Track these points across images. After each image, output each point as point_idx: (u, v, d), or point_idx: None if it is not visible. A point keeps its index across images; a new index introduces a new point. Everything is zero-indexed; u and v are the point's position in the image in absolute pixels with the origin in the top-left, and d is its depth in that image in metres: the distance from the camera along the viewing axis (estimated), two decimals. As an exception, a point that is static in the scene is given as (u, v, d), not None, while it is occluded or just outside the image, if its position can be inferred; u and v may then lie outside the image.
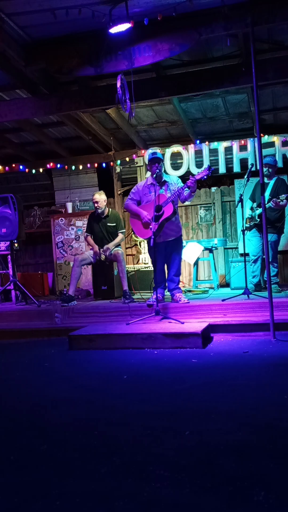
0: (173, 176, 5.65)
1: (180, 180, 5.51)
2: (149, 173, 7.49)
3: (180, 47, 4.97)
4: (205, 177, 5.14)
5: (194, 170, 7.45)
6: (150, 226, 5.11)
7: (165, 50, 5.01)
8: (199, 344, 4.13)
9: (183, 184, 5.30)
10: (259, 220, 5.96)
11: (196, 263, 7.03)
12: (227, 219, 8.13)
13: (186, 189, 5.19)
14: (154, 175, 5.34)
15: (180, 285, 7.16)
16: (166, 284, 5.72)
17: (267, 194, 5.89)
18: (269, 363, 3.47)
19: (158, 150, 7.64)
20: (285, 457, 1.91)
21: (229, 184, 8.18)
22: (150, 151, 7.70)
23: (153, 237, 4.93)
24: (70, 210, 8.44)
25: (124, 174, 8.60)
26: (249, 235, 6.10)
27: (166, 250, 5.46)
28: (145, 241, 6.58)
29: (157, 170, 5.33)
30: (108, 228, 6.34)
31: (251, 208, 6.16)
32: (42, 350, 4.63)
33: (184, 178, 7.41)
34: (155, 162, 5.36)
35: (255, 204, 6.15)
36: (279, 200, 5.71)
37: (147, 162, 5.47)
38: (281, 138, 7.22)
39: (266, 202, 5.29)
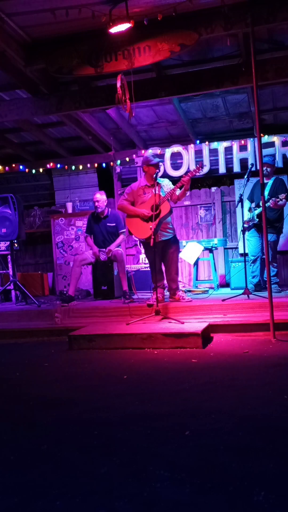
0: (164, 179, 5.68)
1: (171, 183, 5.59)
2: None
3: (180, 47, 4.97)
4: (196, 174, 5.26)
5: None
6: (151, 226, 5.12)
7: (165, 50, 5.00)
8: (199, 344, 4.13)
9: (173, 187, 5.38)
10: (258, 220, 5.96)
11: (196, 263, 7.03)
12: (227, 219, 8.12)
13: (178, 189, 5.25)
14: (155, 175, 5.37)
15: (180, 285, 7.18)
16: (165, 284, 5.73)
17: (266, 194, 5.89)
18: (269, 363, 3.47)
19: (158, 151, 7.65)
20: (285, 457, 1.91)
21: (229, 184, 8.17)
22: (150, 151, 7.70)
23: (153, 236, 4.95)
24: (70, 210, 8.44)
25: (124, 174, 8.59)
26: (248, 235, 6.09)
27: (164, 250, 5.48)
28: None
29: (158, 171, 5.41)
30: (108, 228, 6.34)
31: (249, 209, 6.15)
32: (42, 350, 4.63)
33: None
34: (159, 166, 5.48)
35: (253, 204, 6.15)
36: (278, 200, 5.71)
37: (149, 162, 5.42)
38: (281, 138, 7.21)
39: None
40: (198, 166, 5.29)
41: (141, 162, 5.67)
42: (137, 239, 5.58)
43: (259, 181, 4.80)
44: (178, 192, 5.28)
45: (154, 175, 5.34)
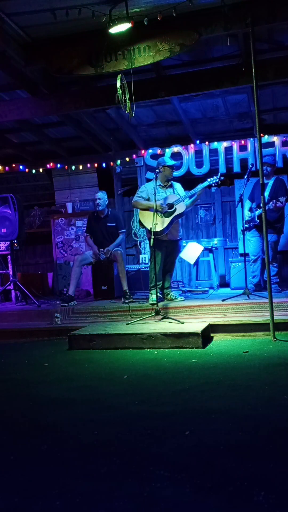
0: (177, 183, 5.76)
1: (182, 188, 5.72)
2: (149, 173, 7.55)
3: (180, 47, 4.97)
4: (214, 184, 5.47)
5: (194, 170, 7.45)
6: (150, 226, 5.14)
7: (165, 50, 5.01)
8: (199, 344, 4.13)
9: (185, 193, 5.53)
10: (258, 221, 5.95)
11: (196, 263, 7.02)
12: (227, 219, 8.12)
13: (195, 197, 5.46)
14: (155, 175, 5.41)
15: (180, 285, 7.20)
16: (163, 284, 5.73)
17: (266, 194, 5.89)
18: (269, 363, 3.47)
19: (158, 151, 7.66)
20: (285, 457, 1.91)
21: (229, 184, 8.17)
22: (150, 151, 7.70)
23: (153, 237, 4.97)
24: (70, 210, 8.43)
25: (124, 174, 8.58)
26: (248, 235, 6.09)
27: (167, 249, 5.52)
28: (146, 240, 6.61)
29: (158, 171, 5.47)
30: (108, 228, 6.34)
31: (250, 209, 6.14)
32: (42, 350, 4.63)
33: (184, 179, 7.49)
34: (174, 167, 5.66)
35: (254, 205, 6.14)
36: (278, 202, 5.72)
37: (166, 163, 5.52)
38: (281, 138, 7.20)
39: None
40: (217, 177, 5.48)
41: (156, 163, 5.75)
42: (149, 233, 5.58)
43: (259, 180, 4.80)
44: (188, 201, 5.45)
45: (155, 175, 5.39)
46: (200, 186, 5.41)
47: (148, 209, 5.39)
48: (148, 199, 5.52)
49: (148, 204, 5.40)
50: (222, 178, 5.55)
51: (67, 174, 8.76)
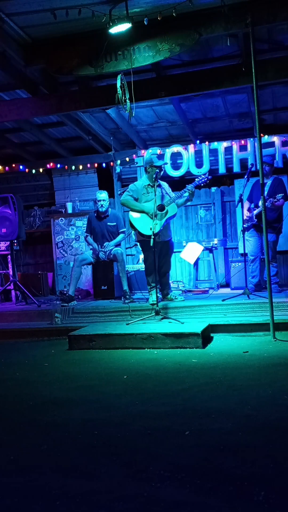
0: (164, 183, 5.73)
1: (170, 189, 5.69)
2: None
3: (180, 47, 4.98)
4: (202, 183, 5.46)
5: (194, 170, 7.44)
6: (151, 226, 5.13)
7: (165, 50, 5.01)
8: (199, 344, 4.14)
9: (174, 193, 5.50)
10: (256, 220, 5.95)
11: (196, 263, 7.03)
12: (227, 219, 8.12)
13: (186, 194, 5.41)
14: (154, 175, 5.39)
15: (180, 285, 7.19)
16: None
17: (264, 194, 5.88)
18: (269, 363, 3.47)
19: (158, 151, 7.66)
20: (285, 457, 1.91)
21: (229, 184, 8.17)
22: (150, 150, 7.69)
23: (153, 237, 4.96)
24: (70, 210, 8.43)
25: (124, 174, 8.59)
26: (247, 235, 6.07)
27: (161, 250, 5.52)
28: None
29: (158, 171, 5.44)
30: (109, 228, 6.35)
31: (248, 209, 6.13)
32: (42, 350, 4.63)
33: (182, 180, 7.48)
34: (162, 167, 5.59)
35: (252, 205, 6.14)
36: (275, 200, 5.71)
37: (153, 163, 5.47)
38: (281, 138, 7.20)
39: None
40: (205, 175, 5.53)
41: (144, 162, 5.69)
42: (140, 236, 5.52)
43: (258, 181, 4.80)
44: (180, 201, 5.43)
45: (154, 175, 5.37)
46: (188, 187, 5.38)
47: (139, 211, 5.39)
48: (137, 199, 5.50)
49: (139, 208, 5.39)
50: (210, 177, 5.55)
51: (67, 174, 8.76)
